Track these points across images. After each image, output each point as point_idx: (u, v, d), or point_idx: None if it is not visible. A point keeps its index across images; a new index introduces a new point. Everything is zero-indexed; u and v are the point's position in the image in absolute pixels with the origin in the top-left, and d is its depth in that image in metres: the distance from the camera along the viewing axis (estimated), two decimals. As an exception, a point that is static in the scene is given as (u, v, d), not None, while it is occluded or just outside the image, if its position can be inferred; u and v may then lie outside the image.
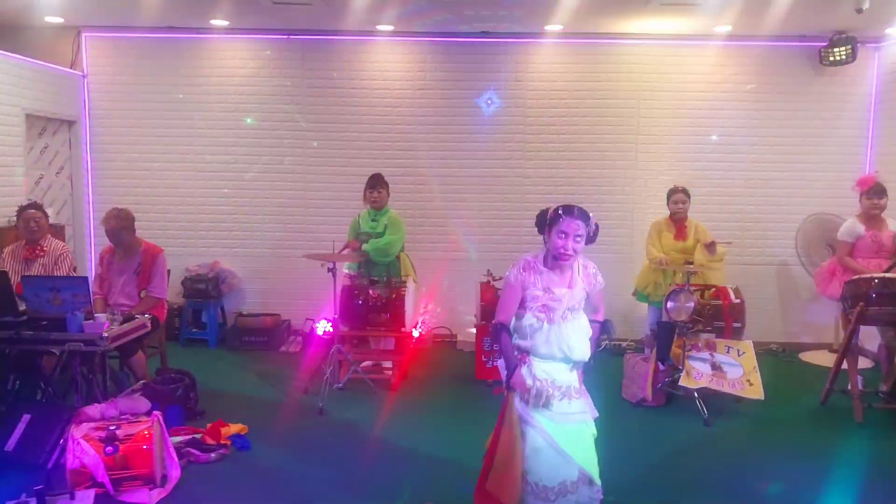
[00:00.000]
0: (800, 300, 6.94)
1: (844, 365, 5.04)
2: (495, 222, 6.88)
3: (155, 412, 3.76)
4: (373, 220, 5.65)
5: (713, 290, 5.41)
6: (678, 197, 5.61)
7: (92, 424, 3.58)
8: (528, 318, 3.04)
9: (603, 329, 3.26)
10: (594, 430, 3.08)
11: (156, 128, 6.89)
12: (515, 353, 3.04)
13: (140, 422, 3.70)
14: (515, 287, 3.05)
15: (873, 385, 5.35)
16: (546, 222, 3.06)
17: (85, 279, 4.28)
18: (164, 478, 3.61)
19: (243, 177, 6.94)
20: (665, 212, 5.86)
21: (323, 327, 6.69)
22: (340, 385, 5.25)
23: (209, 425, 4.28)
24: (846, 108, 6.77)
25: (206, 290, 6.70)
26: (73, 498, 3.20)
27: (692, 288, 5.10)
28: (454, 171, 6.92)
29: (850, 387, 5.05)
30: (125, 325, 4.31)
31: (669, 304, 5.01)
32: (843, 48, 6.37)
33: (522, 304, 3.07)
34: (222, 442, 4.16)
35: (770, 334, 6.74)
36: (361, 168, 6.74)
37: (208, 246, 6.96)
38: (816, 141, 6.79)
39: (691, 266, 5.23)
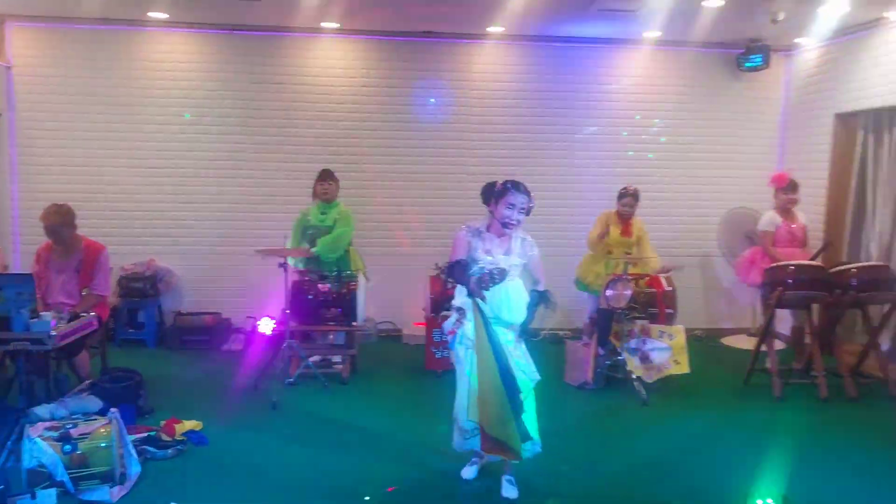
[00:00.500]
0: (720, 289, 7.41)
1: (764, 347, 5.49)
2: (438, 217, 7.00)
3: (112, 409, 3.71)
4: (322, 214, 5.68)
5: (647, 278, 5.75)
6: (627, 200, 5.82)
7: (46, 424, 3.50)
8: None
9: (542, 298, 3.62)
10: (531, 388, 3.62)
11: (87, 122, 6.66)
12: (456, 312, 3.58)
13: (96, 420, 3.64)
14: (463, 241, 3.55)
15: (787, 363, 5.81)
16: (494, 194, 3.54)
17: (30, 276, 4.16)
18: (124, 475, 3.57)
19: (181, 173, 6.81)
20: (607, 206, 6.13)
21: (266, 325, 6.67)
22: (292, 380, 5.27)
23: (163, 423, 4.24)
24: (760, 110, 7.29)
25: (142, 288, 6.55)
26: (34, 498, 3.13)
27: (629, 277, 5.40)
28: (398, 167, 7.02)
29: (769, 366, 5.50)
30: (72, 323, 4.21)
31: (608, 293, 5.29)
32: (757, 55, 6.86)
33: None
34: (178, 439, 4.14)
35: (694, 321, 7.15)
36: (305, 164, 6.78)
37: (144, 244, 6.79)
38: (734, 140, 7.27)
39: (630, 255, 5.53)
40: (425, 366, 5.79)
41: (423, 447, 4.20)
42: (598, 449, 4.29)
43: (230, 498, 3.47)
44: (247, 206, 6.91)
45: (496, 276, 3.31)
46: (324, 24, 6.57)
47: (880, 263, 5.58)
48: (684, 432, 4.62)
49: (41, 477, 3.31)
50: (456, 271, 3.47)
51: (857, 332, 6.11)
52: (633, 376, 5.22)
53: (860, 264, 5.55)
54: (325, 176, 5.71)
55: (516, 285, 3.57)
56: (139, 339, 6.53)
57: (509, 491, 3.58)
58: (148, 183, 6.78)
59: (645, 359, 5.23)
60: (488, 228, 3.59)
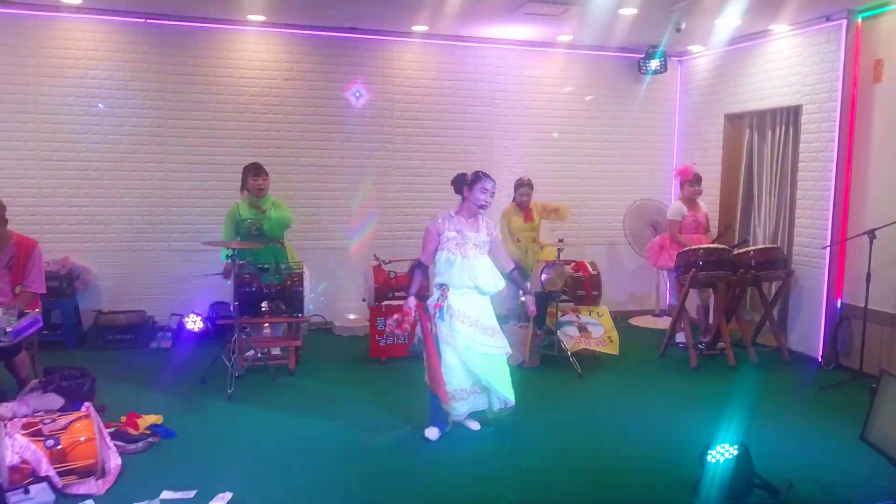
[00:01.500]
0: (627, 274, 8.06)
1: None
2: (365, 211, 7.13)
3: (86, 403, 3.59)
4: (255, 207, 5.62)
5: (573, 263, 6.19)
6: (524, 190, 6.26)
7: (20, 420, 3.34)
8: (445, 255, 4.12)
9: (518, 269, 4.50)
10: (503, 358, 4.29)
11: (-10, 112, 6.21)
12: (438, 289, 4.16)
13: (70, 415, 3.51)
14: (433, 233, 4.16)
15: (696, 338, 6.47)
16: (467, 182, 4.18)
17: None
18: (103, 469, 3.47)
19: (95, 167, 6.49)
20: (535, 197, 6.52)
21: (194, 321, 6.52)
22: (238, 373, 5.23)
23: (124, 418, 4.12)
24: (658, 110, 8.00)
25: (58, 287, 6.17)
26: (27, 493, 3.00)
27: (562, 262, 5.81)
28: (323, 160, 7.06)
29: (683, 340, 6.12)
30: (21, 319, 4.00)
31: (544, 277, 5.67)
32: (656, 61, 7.54)
33: (441, 247, 4.12)
34: (144, 432, 4.04)
35: (603, 304, 7.74)
36: (227, 157, 6.69)
37: (57, 241, 6.41)
38: (636, 138, 7.93)
39: (561, 243, 5.94)
40: (370, 354, 5.92)
41: (377, 431, 4.35)
42: (543, 419, 4.63)
43: (214, 485, 3.46)
44: (167, 200, 6.70)
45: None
46: (249, 17, 6.50)
47: (773, 245, 6.34)
48: (615, 400, 5.09)
49: (22, 474, 3.16)
50: (414, 273, 4.26)
51: (754, 306, 6.90)
52: (569, 353, 5.63)
53: (757, 246, 6.28)
54: (260, 171, 5.65)
55: (485, 260, 4.21)
56: (56, 340, 6.15)
57: (474, 426, 4.35)
58: (60, 177, 6.41)
59: (583, 328, 5.67)
60: (458, 213, 4.22)
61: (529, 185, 6.32)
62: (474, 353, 4.14)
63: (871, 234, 5.30)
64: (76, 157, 6.44)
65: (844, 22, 5.81)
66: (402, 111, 7.23)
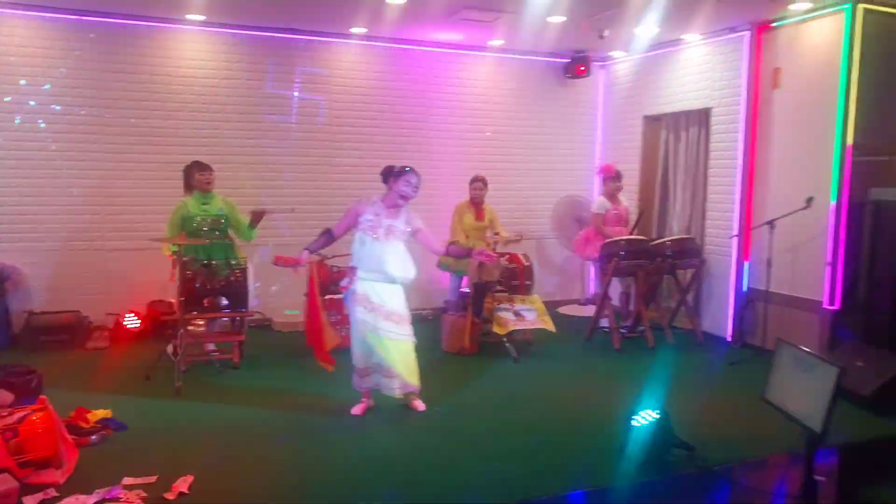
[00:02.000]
0: (554, 266, 8.50)
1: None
2: (306, 208, 7.25)
3: (41, 397, 3.66)
4: (204, 204, 5.71)
5: (507, 255, 6.56)
6: (477, 185, 6.62)
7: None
8: (359, 236, 4.36)
9: (451, 249, 4.65)
10: (410, 346, 4.49)
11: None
12: (350, 271, 4.46)
13: (26, 409, 3.59)
14: (352, 213, 4.45)
15: (618, 323, 6.94)
16: (393, 174, 4.44)
17: None
18: (61, 460, 3.56)
19: (26, 164, 6.39)
20: (462, 197, 6.85)
21: (131, 320, 6.53)
22: (184, 368, 5.30)
23: (73, 412, 4.18)
24: (582, 111, 8.48)
25: (-13, 288, 6.07)
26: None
27: (499, 254, 6.15)
28: (264, 158, 7.17)
29: (607, 324, 6.58)
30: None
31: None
32: (580, 65, 8.00)
33: (357, 228, 4.38)
34: (95, 426, 4.12)
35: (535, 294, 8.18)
36: (166, 156, 6.73)
37: (-12, 240, 6.30)
38: (562, 137, 8.39)
39: (496, 236, 6.29)
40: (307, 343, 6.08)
41: (332, 419, 4.54)
42: (483, 399, 5.01)
43: (173, 470, 3.60)
44: (104, 198, 6.67)
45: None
46: (188, 16, 6.56)
47: (687, 236, 6.89)
48: (546, 380, 5.50)
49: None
50: (321, 236, 4.53)
51: (671, 292, 7.44)
52: (504, 340, 5.99)
53: (673, 237, 6.81)
54: (205, 167, 5.73)
55: (397, 246, 4.42)
56: (-19, 341, 6.04)
57: (420, 406, 4.64)
58: (-14, 176, 6.31)
59: (517, 314, 6.03)
60: (382, 200, 4.48)
61: (483, 181, 6.65)
62: (376, 339, 4.35)
63: (772, 224, 5.89)
64: (6, 155, 6.33)
65: (748, 33, 6.40)
66: (341, 110, 7.42)
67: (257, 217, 5.71)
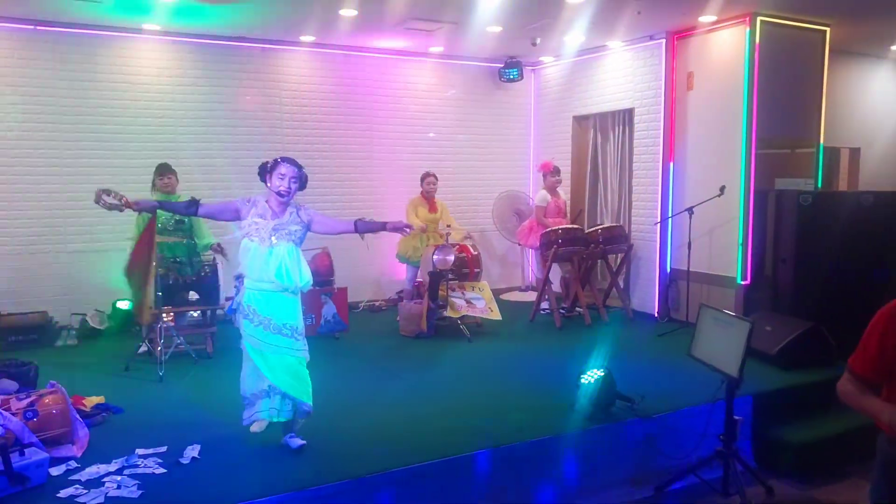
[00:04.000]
0: (496, 256, 9.12)
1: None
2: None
3: (52, 381, 3.97)
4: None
5: (457, 246, 7.11)
6: (430, 180, 7.19)
7: (-6, 399, 3.69)
8: (244, 242, 3.80)
9: (360, 225, 4.00)
10: (302, 362, 3.91)
11: None
12: (237, 280, 3.95)
13: (39, 392, 3.90)
14: (231, 204, 3.89)
15: (558, 304, 7.61)
16: (267, 170, 3.86)
17: None
18: (74, 437, 3.88)
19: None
20: (412, 193, 7.36)
21: (97, 319, 6.74)
22: (163, 359, 5.61)
23: (70, 398, 4.45)
24: (517, 113, 9.13)
25: (-47, 292, 6.17)
26: (23, 455, 3.39)
27: (451, 245, 6.71)
28: (217, 161, 7.46)
29: (548, 306, 7.24)
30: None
31: (436, 257, 6.53)
32: (514, 69, 8.65)
33: (243, 233, 3.80)
34: (92, 410, 4.43)
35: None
36: (124, 160, 6.98)
37: (-51, 245, 6.38)
38: (499, 137, 9.01)
39: (448, 228, 6.84)
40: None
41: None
42: (442, 374, 5.55)
43: (179, 441, 3.98)
44: (64, 203, 6.85)
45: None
46: (144, 26, 6.81)
47: (616, 224, 7.63)
48: (499, 357, 6.09)
49: (9, 442, 3.52)
50: (190, 203, 3.92)
51: (603, 275, 8.19)
52: (459, 322, 6.54)
53: (603, 226, 7.53)
54: (165, 170, 6.02)
55: (290, 249, 3.82)
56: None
57: (296, 444, 3.95)
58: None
59: (469, 303, 6.60)
60: (267, 201, 3.87)
61: (435, 176, 7.25)
62: (260, 356, 3.82)
63: (690, 210, 6.67)
64: (-34, 161, 6.44)
65: (664, 41, 7.18)
66: (291, 114, 7.81)
67: (217, 249, 5.95)
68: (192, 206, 3.91)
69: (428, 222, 7.16)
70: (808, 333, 5.47)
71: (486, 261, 8.73)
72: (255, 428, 3.91)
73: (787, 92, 6.64)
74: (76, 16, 6.46)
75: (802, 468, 4.66)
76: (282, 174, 3.79)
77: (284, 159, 3.86)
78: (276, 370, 3.81)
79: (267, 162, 3.89)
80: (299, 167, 3.88)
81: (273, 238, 3.78)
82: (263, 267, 3.77)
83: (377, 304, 8.12)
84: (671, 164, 7.25)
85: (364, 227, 4.03)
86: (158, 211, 5.85)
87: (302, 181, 3.88)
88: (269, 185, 3.85)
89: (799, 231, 6.09)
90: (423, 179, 7.21)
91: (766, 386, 5.03)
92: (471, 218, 8.84)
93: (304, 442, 3.93)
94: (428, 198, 7.22)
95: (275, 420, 3.90)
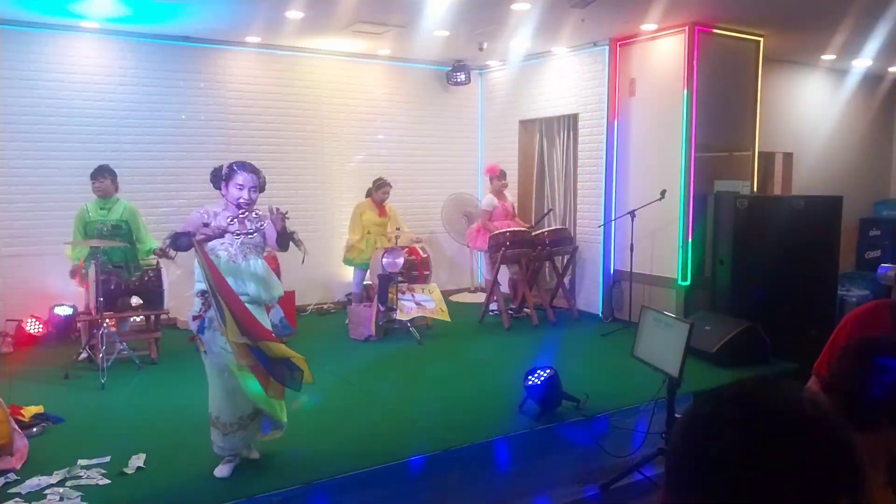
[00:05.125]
0: (445, 258, 9.17)
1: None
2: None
3: (-12, 390, 3.83)
4: (102, 209, 5.85)
5: (406, 248, 7.15)
6: (386, 189, 7.21)
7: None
8: (212, 257, 3.42)
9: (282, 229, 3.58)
10: None
11: None
12: (199, 296, 3.55)
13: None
14: (197, 220, 3.54)
15: (507, 305, 7.72)
16: (222, 177, 3.55)
17: None
18: (12, 449, 3.76)
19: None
20: (361, 194, 7.37)
21: (33, 325, 6.53)
22: (105, 365, 5.47)
23: (8, 408, 4.31)
24: (465, 116, 9.21)
25: None
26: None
27: (401, 247, 6.74)
28: (162, 162, 7.31)
29: (497, 307, 7.33)
30: None
31: (385, 261, 6.55)
32: (461, 73, 8.72)
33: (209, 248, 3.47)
34: (33, 419, 4.30)
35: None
36: (62, 161, 6.80)
37: None
38: (447, 140, 9.07)
39: (398, 231, 6.86)
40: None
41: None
42: (392, 377, 5.60)
43: (122, 451, 3.90)
44: None
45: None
46: (83, 24, 6.62)
47: (562, 227, 7.78)
48: (448, 358, 6.15)
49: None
50: (181, 241, 3.46)
51: (550, 276, 8.34)
52: (409, 325, 6.57)
53: (549, 228, 7.67)
54: (99, 173, 5.86)
55: (258, 263, 3.63)
56: None
57: (254, 456, 3.86)
58: None
59: (419, 304, 6.63)
60: (224, 209, 3.61)
61: (390, 185, 7.25)
62: (235, 373, 3.48)
63: (632, 213, 6.86)
64: None
65: (607, 48, 7.36)
66: (237, 115, 7.70)
67: (161, 253, 5.74)
68: (182, 240, 3.46)
69: (376, 226, 7.17)
70: (744, 332, 5.69)
71: (435, 263, 8.80)
72: (222, 472, 3.62)
73: (724, 98, 6.90)
74: (8, 11, 6.23)
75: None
76: (240, 184, 3.51)
77: (241, 166, 3.55)
78: (247, 385, 3.47)
79: (221, 167, 3.59)
80: (258, 173, 3.60)
81: (242, 254, 3.56)
82: (237, 282, 3.51)
83: (325, 306, 8.08)
84: (614, 168, 7.43)
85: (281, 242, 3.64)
86: (92, 217, 5.79)
87: (261, 187, 3.63)
88: (225, 194, 3.57)
89: (736, 233, 6.33)
90: (379, 187, 7.19)
91: (706, 384, 5.21)
92: (420, 220, 8.86)
93: (258, 455, 3.86)
94: (379, 204, 7.21)
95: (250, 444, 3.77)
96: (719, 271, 6.53)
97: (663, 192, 6.74)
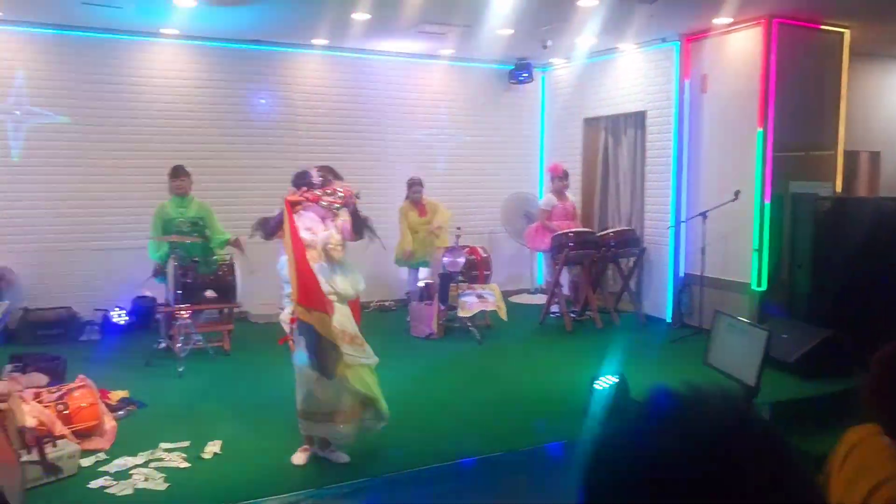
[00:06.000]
0: (504, 259, 9.08)
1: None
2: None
3: (80, 376, 4.04)
4: (180, 207, 6.06)
5: (467, 248, 7.11)
6: (416, 188, 7.19)
7: (28, 392, 3.75)
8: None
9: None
10: (371, 370, 3.86)
11: None
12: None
13: (69, 385, 3.99)
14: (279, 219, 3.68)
15: (568, 307, 7.60)
16: (305, 180, 3.75)
17: None
18: (102, 429, 3.94)
19: (14, 171, 6.67)
20: (425, 193, 7.39)
21: (119, 315, 6.80)
22: (182, 355, 5.65)
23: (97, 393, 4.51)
24: (526, 114, 9.11)
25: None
26: (55, 446, 3.46)
27: (461, 247, 6.72)
28: (234, 161, 7.52)
29: (558, 310, 7.23)
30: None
31: (446, 260, 6.55)
32: (524, 72, 8.62)
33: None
34: (118, 403, 4.48)
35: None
36: (143, 161, 7.08)
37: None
38: (508, 139, 8.98)
39: (459, 230, 6.84)
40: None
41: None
42: (454, 376, 5.59)
43: (201, 437, 4.05)
44: (87, 202, 6.97)
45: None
46: (162, 30, 6.87)
47: (628, 228, 7.61)
48: (513, 359, 6.12)
49: (38, 434, 3.55)
50: (268, 224, 3.80)
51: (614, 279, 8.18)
52: (469, 325, 6.54)
53: (615, 229, 7.52)
54: (178, 173, 6.06)
55: (342, 260, 3.78)
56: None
57: (342, 459, 3.86)
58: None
59: (480, 296, 6.58)
60: (306, 210, 3.75)
61: (420, 182, 7.21)
62: (353, 370, 3.68)
63: (704, 215, 6.65)
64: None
65: (677, 44, 7.16)
66: (304, 115, 7.84)
67: (235, 244, 6.05)
68: (269, 223, 3.79)
69: (420, 226, 7.16)
70: (826, 342, 5.41)
71: (494, 264, 8.75)
72: (298, 460, 3.78)
73: (804, 95, 6.60)
74: (97, 20, 6.53)
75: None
76: (325, 186, 3.68)
77: (321, 168, 3.77)
78: (364, 381, 3.71)
79: (306, 171, 3.78)
80: (339, 178, 3.79)
81: (327, 253, 3.68)
82: (325, 280, 3.63)
83: (387, 304, 8.14)
84: (684, 168, 7.23)
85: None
86: (171, 214, 5.97)
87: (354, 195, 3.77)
88: (311, 199, 3.71)
89: (816, 236, 6.06)
90: (409, 186, 7.21)
91: (784, 395, 5.00)
92: (480, 220, 8.83)
93: (348, 458, 3.82)
94: (416, 203, 7.20)
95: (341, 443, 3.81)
96: (797, 276, 6.26)
97: (737, 193, 6.50)
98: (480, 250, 7.24)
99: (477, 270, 7.08)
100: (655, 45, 7.43)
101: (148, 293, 6.83)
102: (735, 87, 6.72)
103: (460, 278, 6.79)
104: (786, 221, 6.41)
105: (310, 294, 3.45)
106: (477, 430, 4.35)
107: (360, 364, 3.75)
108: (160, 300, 6.45)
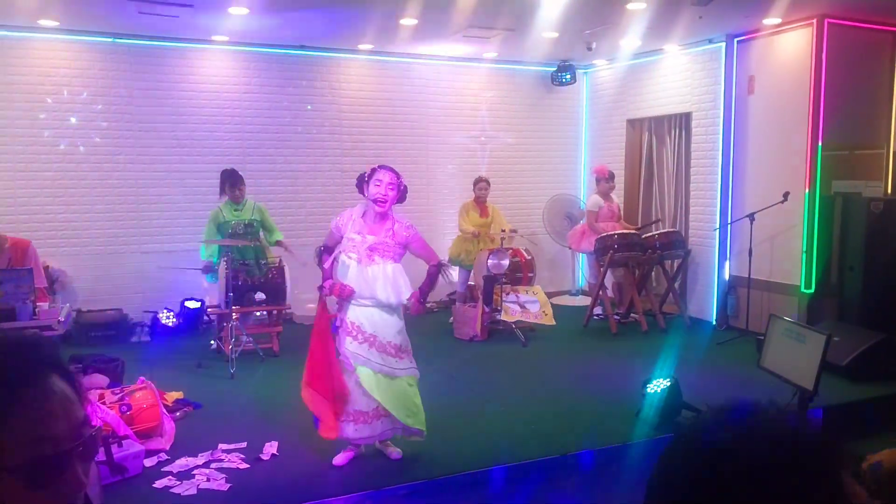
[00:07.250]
0: (545, 260, 9.10)
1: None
2: (319, 211, 7.77)
3: (141, 378, 4.17)
4: (235, 210, 6.20)
5: (510, 250, 7.15)
6: (482, 185, 7.27)
7: (92, 393, 3.89)
8: (342, 259, 3.74)
9: (438, 270, 3.99)
10: (412, 381, 3.87)
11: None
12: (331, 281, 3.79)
13: (130, 387, 4.12)
14: (333, 231, 3.90)
15: (613, 309, 7.60)
16: (364, 179, 3.80)
17: (29, 271, 4.33)
18: (162, 430, 4.06)
19: (69, 177, 6.88)
20: (465, 196, 7.46)
21: (167, 317, 6.98)
22: (233, 357, 5.79)
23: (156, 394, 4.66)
24: (569, 116, 9.12)
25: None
26: (120, 446, 3.58)
27: (506, 249, 6.77)
28: (279, 165, 7.67)
29: (602, 312, 7.23)
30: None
31: (490, 262, 6.59)
32: (566, 73, 8.63)
33: (340, 248, 3.78)
34: (176, 404, 4.62)
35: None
36: (192, 165, 7.25)
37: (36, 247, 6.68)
38: (551, 140, 9.01)
39: (504, 233, 6.90)
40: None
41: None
42: (500, 378, 5.61)
43: (257, 438, 4.15)
44: (137, 206, 7.16)
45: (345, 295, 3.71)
46: (213, 38, 7.05)
47: (673, 230, 7.58)
48: (554, 361, 6.15)
49: (108, 434, 3.70)
50: (321, 256, 3.92)
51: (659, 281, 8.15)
52: (514, 326, 6.59)
53: (660, 231, 7.49)
54: (236, 182, 6.13)
55: (389, 268, 3.74)
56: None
57: (395, 455, 3.97)
58: (33, 188, 6.79)
59: (523, 306, 6.63)
60: (363, 214, 3.82)
61: (486, 181, 7.32)
62: (370, 376, 3.71)
63: (751, 216, 6.60)
64: (49, 167, 6.82)
65: (724, 44, 7.11)
66: (349, 120, 7.96)
67: (283, 245, 6.22)
68: (328, 251, 3.92)
69: (479, 227, 7.22)
70: (879, 345, 5.34)
71: (536, 265, 8.78)
72: (339, 461, 3.83)
73: (852, 94, 6.50)
74: (151, 29, 6.70)
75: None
76: (378, 180, 3.71)
77: (382, 166, 3.80)
78: (385, 392, 3.71)
79: (365, 172, 3.82)
80: (397, 175, 3.79)
81: (369, 255, 3.71)
82: (363, 284, 3.69)
83: (429, 305, 8.18)
84: (730, 169, 7.17)
85: (429, 273, 3.97)
86: (226, 217, 6.12)
87: (400, 190, 3.79)
88: (366, 194, 3.76)
89: (868, 238, 5.97)
90: (475, 184, 7.28)
91: (837, 399, 4.94)
92: (522, 221, 8.84)
93: (401, 454, 3.94)
94: (480, 202, 7.27)
95: (378, 442, 3.96)
96: (848, 279, 6.18)
97: (786, 195, 6.44)
98: (524, 252, 7.27)
99: (521, 272, 7.12)
100: (702, 45, 7.38)
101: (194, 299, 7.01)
102: (783, 88, 6.66)
103: (504, 280, 6.84)
104: (835, 222, 6.33)
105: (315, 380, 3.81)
106: (528, 431, 4.39)
107: (395, 377, 3.77)
108: (209, 302, 6.62)
